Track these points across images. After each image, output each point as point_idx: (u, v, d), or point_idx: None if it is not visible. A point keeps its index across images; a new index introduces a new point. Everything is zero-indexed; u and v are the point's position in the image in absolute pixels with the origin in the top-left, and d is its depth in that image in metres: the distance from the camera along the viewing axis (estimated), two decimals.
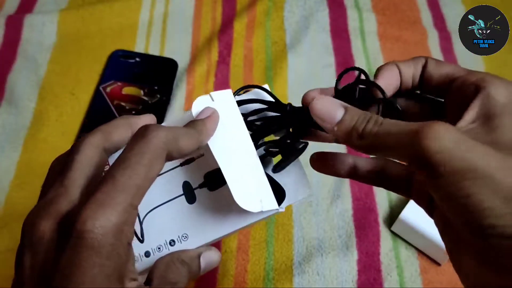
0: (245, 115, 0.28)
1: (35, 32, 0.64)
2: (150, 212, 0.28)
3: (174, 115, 0.59)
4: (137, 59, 0.63)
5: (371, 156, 0.28)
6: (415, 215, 0.49)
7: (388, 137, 0.22)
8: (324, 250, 0.50)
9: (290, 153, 0.28)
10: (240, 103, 0.28)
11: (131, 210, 0.23)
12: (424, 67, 0.26)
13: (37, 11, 0.68)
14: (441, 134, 0.20)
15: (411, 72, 0.26)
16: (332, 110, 0.25)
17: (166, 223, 0.28)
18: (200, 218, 0.28)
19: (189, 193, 0.29)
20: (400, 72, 0.26)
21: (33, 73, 0.61)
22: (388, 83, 0.26)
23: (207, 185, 0.29)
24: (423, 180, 0.23)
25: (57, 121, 0.58)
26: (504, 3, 0.69)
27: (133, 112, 0.58)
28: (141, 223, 0.28)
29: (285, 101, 0.30)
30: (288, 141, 0.28)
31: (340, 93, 0.27)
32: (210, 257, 0.28)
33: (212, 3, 0.72)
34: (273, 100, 0.29)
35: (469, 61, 0.67)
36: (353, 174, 0.29)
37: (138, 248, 0.28)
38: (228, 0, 0.72)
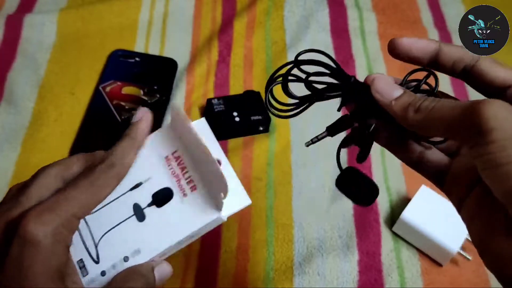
0: (307, 75, 0.29)
1: (35, 31, 0.64)
2: (104, 235, 0.31)
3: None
4: (137, 58, 0.63)
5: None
6: (416, 215, 0.49)
7: (443, 110, 0.24)
8: (324, 250, 0.50)
9: (367, 142, 0.29)
10: (303, 62, 0.29)
11: (73, 219, 0.26)
12: (476, 62, 0.27)
13: (37, 10, 0.68)
14: (496, 104, 0.21)
15: (455, 56, 0.27)
16: (391, 88, 0.27)
17: (119, 242, 0.31)
18: (150, 232, 0.31)
19: (139, 212, 0.32)
20: (440, 49, 0.27)
21: (33, 72, 0.61)
22: (417, 48, 0.27)
23: (155, 202, 0.32)
24: (469, 151, 0.23)
25: (57, 121, 0.58)
26: (504, 3, 0.69)
27: (133, 111, 0.58)
28: (96, 246, 0.31)
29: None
30: (361, 131, 0.29)
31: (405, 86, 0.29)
32: (163, 270, 0.30)
33: (212, 2, 0.71)
34: (335, 67, 0.29)
35: None
36: (395, 149, 0.30)
37: (94, 269, 0.30)
38: None
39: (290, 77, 0.29)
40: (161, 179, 0.33)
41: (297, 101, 0.30)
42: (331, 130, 0.30)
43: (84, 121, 0.57)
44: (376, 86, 0.27)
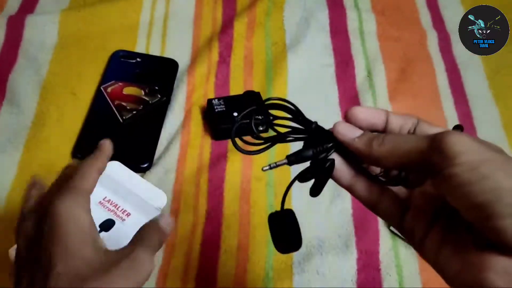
0: (273, 118, 0.31)
1: (37, 32, 0.65)
2: None
3: (174, 115, 0.60)
4: (138, 59, 0.64)
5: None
6: None
7: (409, 141, 0.25)
8: (323, 249, 0.50)
9: (323, 177, 0.31)
10: (269, 106, 0.32)
11: (86, 192, 0.34)
12: (415, 127, 0.28)
13: (39, 11, 0.68)
14: (458, 133, 0.23)
15: (399, 124, 0.29)
16: (353, 129, 0.29)
17: None
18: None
19: None
20: (388, 119, 0.29)
21: (35, 73, 0.61)
22: (368, 119, 0.29)
23: (103, 229, 0.46)
24: (433, 180, 0.24)
25: (58, 121, 0.58)
26: (504, 3, 0.70)
27: (134, 112, 0.58)
28: None
29: None
30: (316, 163, 0.30)
31: None
32: (166, 219, 0.34)
33: (213, 3, 0.72)
34: (297, 112, 0.31)
35: (467, 62, 0.67)
36: (355, 190, 0.31)
37: None
38: (229, 0, 0.72)
39: (255, 120, 0.31)
40: (101, 215, 0.47)
41: (262, 141, 0.32)
42: (291, 160, 0.31)
43: (86, 121, 0.58)
44: (337, 128, 0.29)
